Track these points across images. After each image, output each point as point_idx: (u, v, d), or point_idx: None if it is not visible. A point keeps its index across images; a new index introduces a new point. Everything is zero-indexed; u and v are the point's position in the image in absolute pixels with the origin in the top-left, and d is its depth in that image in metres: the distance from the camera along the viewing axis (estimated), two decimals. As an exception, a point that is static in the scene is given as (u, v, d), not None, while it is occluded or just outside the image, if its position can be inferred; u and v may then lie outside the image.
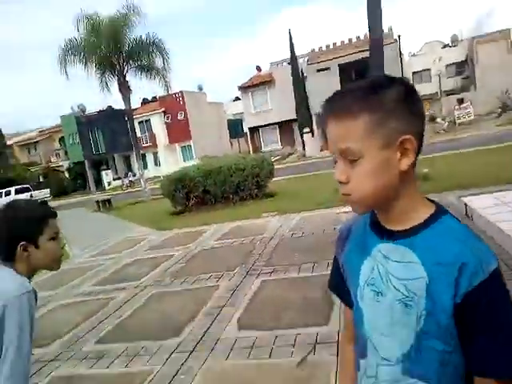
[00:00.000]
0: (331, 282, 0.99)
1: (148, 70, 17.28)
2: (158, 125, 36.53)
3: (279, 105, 30.50)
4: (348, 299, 0.89)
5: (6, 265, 1.35)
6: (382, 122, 0.71)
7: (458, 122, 25.12)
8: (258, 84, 31.47)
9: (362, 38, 28.24)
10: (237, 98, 48.69)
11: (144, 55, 17.03)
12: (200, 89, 39.79)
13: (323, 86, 28.06)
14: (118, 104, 35.45)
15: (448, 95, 33.20)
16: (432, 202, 0.78)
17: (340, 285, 0.92)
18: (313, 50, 30.69)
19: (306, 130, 26.96)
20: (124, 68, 17.15)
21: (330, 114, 0.77)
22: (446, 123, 25.38)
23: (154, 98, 37.34)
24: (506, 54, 30.90)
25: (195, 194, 10.68)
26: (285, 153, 29.77)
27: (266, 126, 32.23)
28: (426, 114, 32.64)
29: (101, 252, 8.10)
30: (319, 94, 27.98)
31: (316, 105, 29.00)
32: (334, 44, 29.99)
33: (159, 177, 31.00)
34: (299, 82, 27.92)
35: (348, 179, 0.74)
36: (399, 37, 25.27)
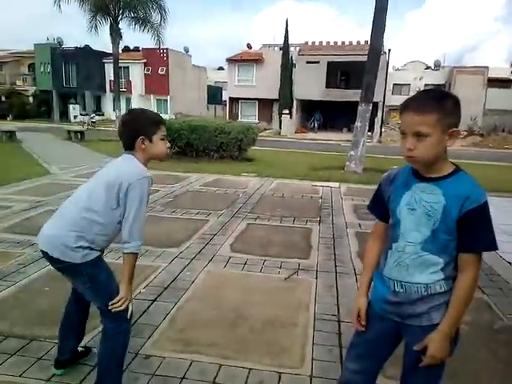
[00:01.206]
0: (371, 206, 1.58)
1: (143, 22, 17.50)
2: (137, 74, 37.40)
3: (263, 83, 31.52)
4: (382, 216, 1.50)
5: (129, 153, 1.86)
6: (443, 119, 1.27)
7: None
8: (247, 60, 32.84)
9: (354, 43, 29.65)
10: (220, 68, 48.99)
11: (141, 8, 17.21)
12: (186, 51, 40.14)
13: (310, 77, 29.05)
14: (96, 47, 35.11)
15: (421, 111, 35.14)
16: (454, 164, 1.39)
17: (377, 207, 1.53)
18: (306, 43, 31.62)
19: (286, 111, 28.02)
20: (119, 15, 17.28)
21: (413, 107, 1.29)
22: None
23: (137, 48, 37.89)
24: (480, 87, 33.20)
25: (178, 143, 11.05)
26: (261, 127, 30.48)
27: (246, 99, 33.22)
28: (399, 122, 34.78)
29: (80, 175, 8.17)
30: (304, 82, 29.08)
31: (299, 90, 29.82)
32: (327, 43, 31.08)
33: None
34: (287, 67, 29.42)
35: (415, 148, 1.29)
36: (389, 50, 26.81)
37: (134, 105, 37.33)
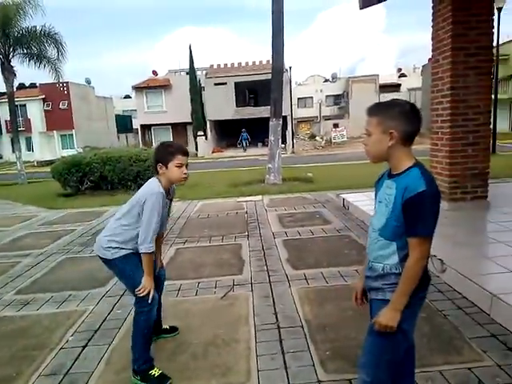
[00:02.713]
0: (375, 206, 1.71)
1: (38, 58, 16.66)
2: (35, 111, 35.55)
3: (174, 108, 31.61)
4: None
5: (156, 177, 2.36)
6: (383, 121, 1.52)
7: (333, 141, 29.59)
8: (155, 86, 32.87)
9: (257, 63, 31.32)
10: (127, 96, 48.01)
11: (34, 44, 16.42)
12: (88, 82, 38.81)
13: (219, 98, 29.70)
14: None
15: (326, 120, 37.89)
16: (414, 159, 1.57)
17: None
18: (211, 66, 32.41)
19: (200, 133, 28.22)
20: (10, 53, 16.27)
21: (367, 113, 1.59)
22: (324, 141, 29.93)
23: (33, 84, 35.79)
24: (373, 93, 36.66)
25: (90, 178, 10.51)
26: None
27: (159, 125, 32.90)
28: (307, 132, 37.13)
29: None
30: (215, 104, 29.59)
31: (211, 112, 30.25)
32: (232, 64, 32.24)
33: (32, 162, 29.64)
34: (197, 90, 29.87)
35: (366, 144, 1.59)
36: (290, 68, 28.61)
37: (35, 144, 35.26)
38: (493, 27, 5.11)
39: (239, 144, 29.95)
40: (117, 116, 41.13)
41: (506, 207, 5.32)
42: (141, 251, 2.27)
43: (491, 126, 5.68)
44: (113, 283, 4.02)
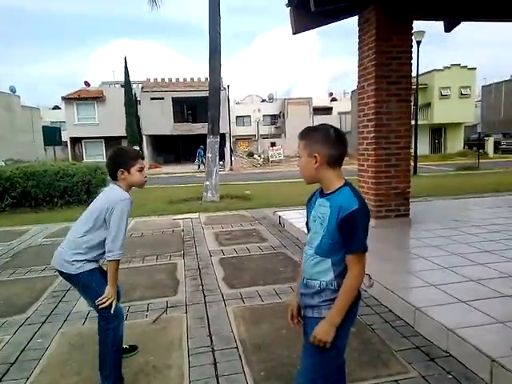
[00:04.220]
0: (306, 223, 1.79)
1: None
2: None
3: (108, 121, 30.40)
4: (308, 229, 1.76)
5: (114, 183, 2.34)
6: (309, 145, 1.61)
7: (271, 159, 30.37)
8: (87, 98, 31.40)
9: (195, 79, 31.39)
10: (56, 107, 45.34)
11: None
12: (13, 91, 35.99)
13: (156, 112, 29.21)
14: None
15: (264, 138, 38.81)
16: (344, 180, 1.65)
17: (307, 223, 1.78)
18: (148, 80, 31.87)
19: (136, 147, 27.11)
20: None
21: (298, 137, 1.67)
22: (262, 159, 30.65)
23: None
24: (307, 115, 38.37)
25: (11, 194, 9.67)
26: (110, 168, 29.02)
27: (90, 138, 31.36)
28: (245, 150, 37.71)
29: None
30: (151, 118, 29.02)
31: (148, 126, 29.57)
32: (170, 79, 31.97)
33: None
34: (132, 104, 29.19)
35: (299, 166, 1.67)
36: (228, 86, 29.01)
37: None
38: (412, 58, 5.62)
39: (198, 160, 27.56)
40: (44, 128, 38.37)
41: (426, 224, 5.76)
42: (109, 258, 2.24)
43: (412, 150, 6.17)
44: (34, 309, 3.70)
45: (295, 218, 6.62)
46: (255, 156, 33.61)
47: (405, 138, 5.64)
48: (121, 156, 2.36)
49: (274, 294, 3.83)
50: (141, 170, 2.35)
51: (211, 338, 2.98)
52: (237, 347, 2.84)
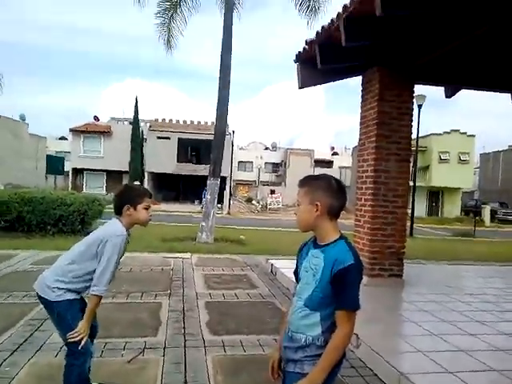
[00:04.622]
0: (294, 272, 1.76)
1: None
2: None
3: (112, 155, 31.02)
4: (297, 278, 1.73)
5: (117, 218, 2.33)
6: (311, 193, 1.59)
7: (269, 206, 30.43)
8: (94, 131, 32.24)
9: (202, 123, 32.32)
10: (62, 138, 46.31)
11: None
12: (22, 118, 37.00)
13: (161, 151, 29.76)
14: None
15: (264, 185, 39.20)
16: (340, 233, 1.64)
17: (296, 272, 1.73)
18: (156, 119, 32.83)
19: (137, 183, 27.46)
20: None
21: (298, 184, 1.66)
22: (260, 206, 30.67)
23: None
24: (308, 166, 39.03)
25: (5, 217, 9.63)
26: (109, 199, 29.08)
27: (93, 170, 31.76)
28: (245, 195, 37.92)
29: None
30: (156, 156, 29.48)
31: (151, 163, 29.99)
32: (177, 120, 32.98)
33: None
34: (138, 141, 29.78)
35: (297, 213, 1.64)
36: (233, 131, 29.89)
37: None
38: (412, 120, 5.81)
39: (203, 200, 27.37)
40: (49, 157, 38.89)
41: (419, 288, 5.67)
42: (93, 292, 2.21)
43: (409, 210, 6.22)
44: (8, 335, 3.56)
45: (287, 267, 6.52)
46: (254, 202, 33.76)
47: (402, 197, 5.70)
48: (129, 192, 2.39)
49: (257, 345, 3.69)
50: (147, 208, 2.37)
51: (186, 386, 2.83)
52: (212, 398, 2.69)
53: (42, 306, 2.37)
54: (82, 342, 2.21)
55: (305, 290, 1.59)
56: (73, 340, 2.19)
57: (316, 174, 1.80)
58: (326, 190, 1.58)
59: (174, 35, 11.70)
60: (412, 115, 5.79)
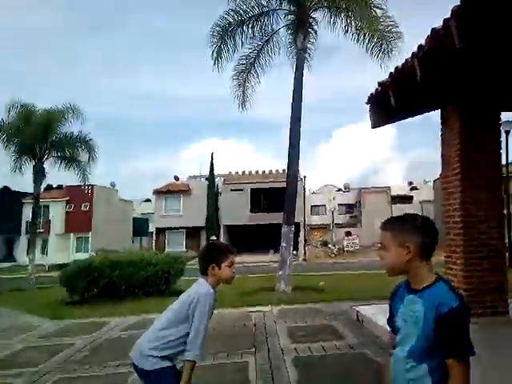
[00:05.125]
0: (387, 320, 1.66)
1: (69, 161, 17.43)
2: (57, 212, 35.37)
3: (190, 212, 32.42)
4: (393, 327, 1.61)
5: (202, 277, 2.35)
6: (399, 235, 1.49)
7: (346, 249, 29.38)
8: (174, 191, 34.17)
9: (273, 171, 33.00)
10: (147, 200, 49.80)
11: (69, 148, 17.32)
12: (113, 186, 40.62)
13: (235, 203, 30.70)
14: (14, 184, 33.57)
15: (339, 227, 38.10)
16: (436, 274, 1.53)
17: (390, 321, 1.63)
18: (230, 173, 34.34)
19: (213, 237, 28.47)
20: (44, 156, 17.17)
21: (381, 224, 1.59)
22: (336, 249, 29.82)
23: (60, 185, 36.66)
24: (385, 204, 37.51)
25: (99, 284, 10.24)
26: (189, 256, 30.17)
27: (173, 228, 33.38)
28: (319, 240, 37.04)
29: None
30: (230, 209, 30.43)
31: (226, 217, 30.92)
32: (250, 172, 34.10)
33: (44, 265, 28.58)
34: (213, 196, 30.93)
35: (383, 258, 1.54)
36: (304, 177, 30.10)
37: (50, 247, 34.55)
38: (501, 148, 5.36)
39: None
40: (134, 219, 41.86)
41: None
42: (188, 358, 2.16)
43: (506, 240, 5.59)
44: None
45: (375, 313, 6.08)
46: (329, 245, 32.77)
47: (496, 228, 5.15)
48: (212, 252, 2.39)
49: (353, 405, 3.39)
50: (231, 265, 2.35)
51: None
52: None
53: (135, 375, 2.38)
54: None
55: (407, 341, 1.45)
56: None
57: (394, 212, 1.69)
58: (415, 229, 1.47)
59: (247, 95, 12.28)
60: (500, 143, 5.37)
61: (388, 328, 1.64)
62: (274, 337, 5.78)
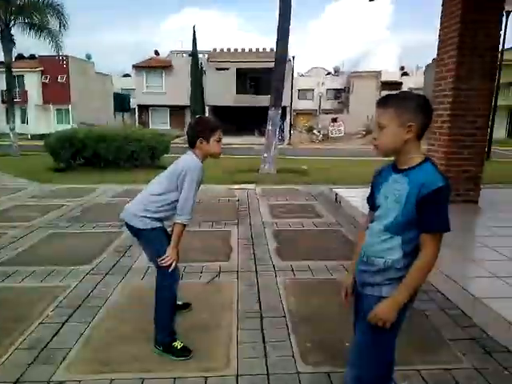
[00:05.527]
0: (367, 198, 1.72)
1: (39, 28, 16.24)
2: (33, 83, 34.57)
3: (173, 90, 31.28)
4: (373, 206, 1.66)
5: (190, 150, 2.41)
6: (401, 114, 1.44)
7: (330, 135, 29.52)
8: (156, 67, 32.37)
9: (260, 50, 30.84)
10: (126, 75, 47.31)
11: (36, 14, 15.99)
12: (88, 58, 38.11)
13: (220, 83, 29.45)
14: None
15: (325, 113, 37.70)
16: (424, 155, 1.53)
17: (370, 199, 1.69)
18: (214, 50, 32.01)
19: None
20: (10, 22, 15.84)
21: (379, 102, 1.51)
22: (321, 135, 29.86)
23: (33, 55, 35.26)
24: (374, 89, 36.58)
25: (83, 154, 10.43)
26: (173, 134, 30.10)
27: (157, 106, 32.55)
28: (305, 125, 37.05)
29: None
30: (215, 88, 29.34)
31: (211, 97, 29.98)
32: (236, 49, 31.88)
33: (26, 134, 29.05)
34: (197, 74, 29.47)
35: (377, 138, 1.51)
36: (293, 57, 28.27)
37: (31, 116, 34.65)
38: (501, 29, 5.08)
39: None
40: (115, 94, 40.51)
41: (495, 212, 5.34)
42: (177, 221, 2.34)
43: (488, 131, 5.68)
44: (99, 261, 3.99)
45: (353, 196, 6.45)
46: (314, 131, 32.78)
47: (483, 117, 5.20)
48: (201, 126, 2.42)
49: (325, 270, 3.80)
50: (219, 140, 2.41)
51: (260, 306, 3.04)
52: (285, 316, 2.88)
53: (125, 234, 2.57)
54: (172, 266, 2.40)
55: (385, 216, 1.52)
56: (164, 265, 2.37)
57: (417, 94, 1.59)
58: (418, 108, 1.45)
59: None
60: (501, 23, 5.05)
61: (367, 207, 1.71)
62: (256, 212, 6.16)
